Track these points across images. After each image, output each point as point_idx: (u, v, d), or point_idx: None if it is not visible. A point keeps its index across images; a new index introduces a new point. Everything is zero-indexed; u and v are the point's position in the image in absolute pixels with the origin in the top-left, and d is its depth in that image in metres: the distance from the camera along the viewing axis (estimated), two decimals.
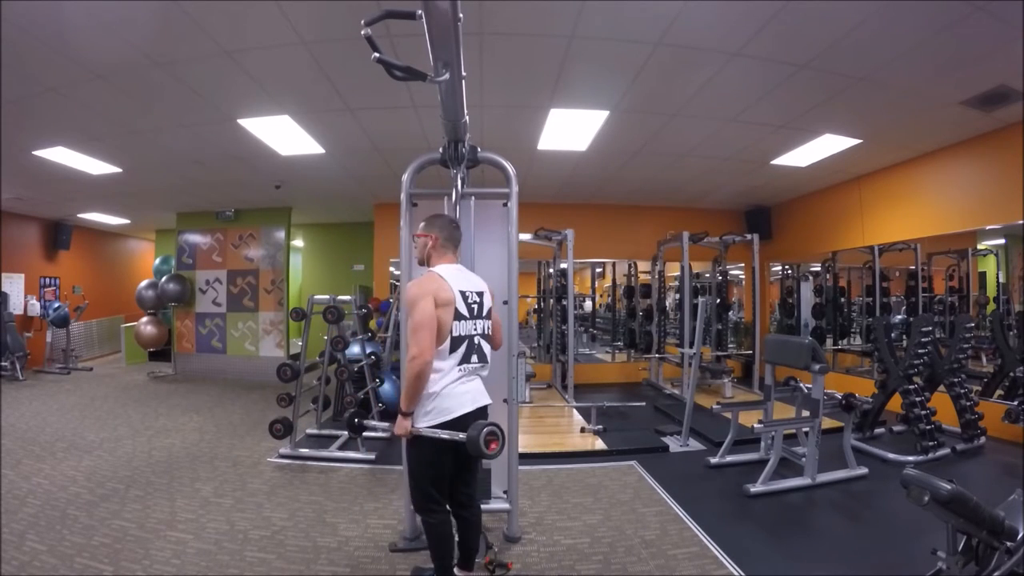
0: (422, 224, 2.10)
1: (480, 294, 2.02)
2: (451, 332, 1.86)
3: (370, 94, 3.63)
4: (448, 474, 1.95)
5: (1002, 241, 4.64)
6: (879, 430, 4.25)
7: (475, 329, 1.96)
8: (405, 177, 2.56)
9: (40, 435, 4.33)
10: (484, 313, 2.02)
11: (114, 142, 4.55)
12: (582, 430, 4.45)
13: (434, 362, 1.83)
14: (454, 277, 1.94)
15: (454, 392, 1.87)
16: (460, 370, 1.90)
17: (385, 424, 1.95)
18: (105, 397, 5.95)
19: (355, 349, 4.47)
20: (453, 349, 1.87)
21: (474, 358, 1.95)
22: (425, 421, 1.85)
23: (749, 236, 6.08)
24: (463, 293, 1.93)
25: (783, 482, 3.26)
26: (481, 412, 1.95)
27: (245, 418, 5.09)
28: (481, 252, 2.66)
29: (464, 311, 1.91)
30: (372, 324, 5.73)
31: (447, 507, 2.00)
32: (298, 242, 9.40)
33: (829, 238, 6.26)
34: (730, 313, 7.13)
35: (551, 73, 3.34)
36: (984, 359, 4.77)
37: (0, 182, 5.57)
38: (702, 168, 5.43)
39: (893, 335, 4.38)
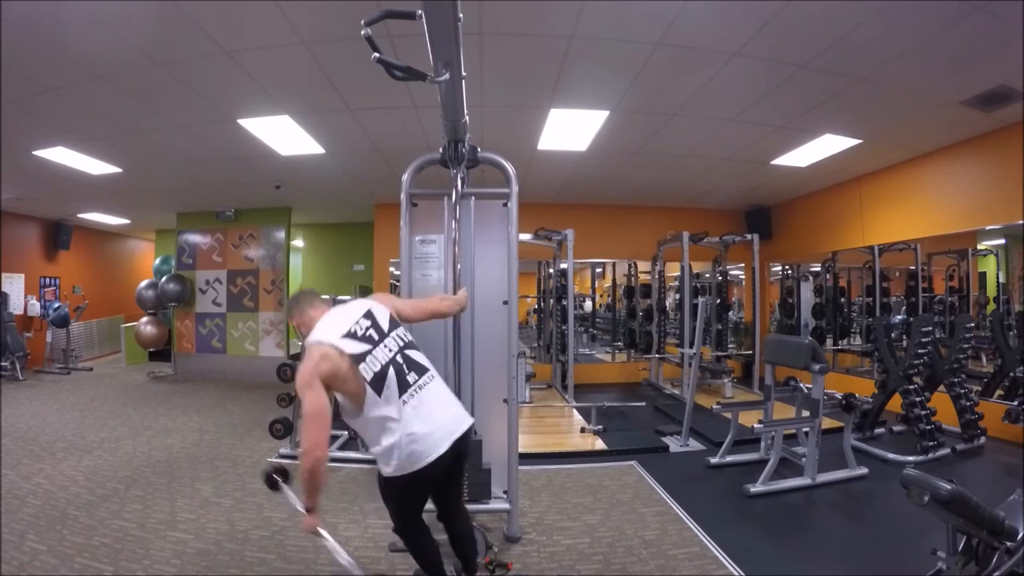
0: (294, 321, 1.85)
1: (368, 314, 1.75)
2: (365, 377, 1.61)
3: (370, 94, 3.63)
4: (423, 502, 1.81)
5: (1002, 241, 4.64)
6: (879, 430, 4.25)
7: (389, 350, 1.70)
8: (405, 177, 2.56)
9: (40, 435, 4.33)
10: (386, 329, 1.75)
11: (114, 142, 4.55)
12: (582, 430, 4.44)
13: (372, 412, 1.61)
14: (328, 329, 1.68)
15: (418, 433, 1.62)
16: (406, 403, 1.65)
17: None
18: (105, 397, 5.95)
19: None
20: (378, 389, 1.62)
21: (411, 376, 1.69)
22: (396, 471, 1.63)
23: (749, 236, 6.08)
24: (349, 332, 1.66)
25: (783, 482, 3.26)
26: (462, 441, 1.71)
27: (245, 418, 5.09)
28: (481, 252, 2.67)
29: (361, 347, 1.65)
30: None
31: (422, 521, 1.88)
32: (298, 242, 9.40)
33: (829, 238, 6.26)
34: (730, 313, 7.13)
35: (551, 73, 3.34)
36: (984, 359, 4.77)
37: (0, 182, 5.57)
38: (702, 168, 5.43)
39: (893, 335, 4.38)
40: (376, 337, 1.70)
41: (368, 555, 2.44)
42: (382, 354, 1.67)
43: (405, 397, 1.65)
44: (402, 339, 1.77)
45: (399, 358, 1.70)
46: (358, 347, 1.64)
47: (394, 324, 1.80)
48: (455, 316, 2.48)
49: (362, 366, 1.61)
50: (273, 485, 1.80)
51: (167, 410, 5.35)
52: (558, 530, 2.72)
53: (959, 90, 3.53)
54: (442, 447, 1.64)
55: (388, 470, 1.65)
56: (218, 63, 3.12)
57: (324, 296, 4.35)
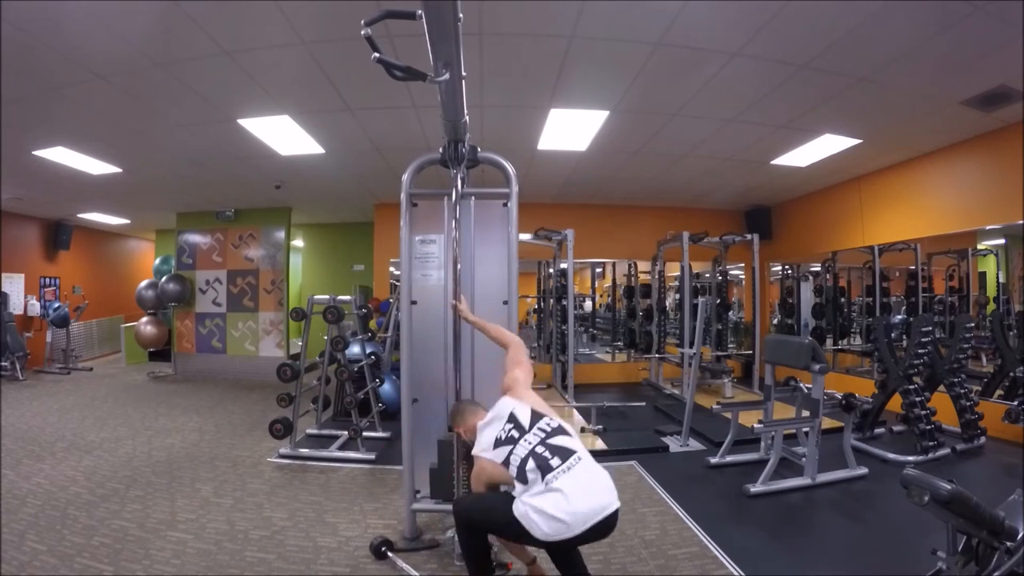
0: (459, 429, 2.20)
1: (511, 417, 1.93)
2: (512, 474, 1.79)
3: (370, 94, 3.62)
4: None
5: (1002, 241, 4.64)
6: (879, 430, 4.24)
7: (529, 443, 1.81)
8: (405, 177, 2.56)
9: (40, 435, 4.33)
10: (528, 425, 1.89)
11: (114, 142, 4.55)
12: (582, 430, 4.44)
13: (522, 498, 1.72)
14: (483, 441, 1.95)
15: (556, 514, 1.62)
16: (548, 484, 1.68)
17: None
18: (105, 397, 5.95)
19: (355, 349, 4.47)
20: (523, 479, 1.74)
21: (555, 461, 1.72)
22: (525, 522, 1.67)
23: (749, 236, 6.08)
24: (497, 440, 1.90)
25: (783, 482, 3.26)
26: (599, 526, 1.65)
27: (245, 418, 5.09)
28: (481, 252, 2.67)
29: (506, 451, 1.84)
30: (372, 324, 5.73)
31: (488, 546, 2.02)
32: (298, 242, 9.40)
33: (829, 238, 6.26)
34: (730, 313, 7.13)
35: (551, 73, 3.33)
36: (984, 359, 4.77)
37: (0, 182, 5.57)
38: (702, 168, 5.43)
39: (893, 335, 4.38)
40: (516, 436, 1.87)
41: (368, 555, 2.44)
42: (522, 450, 1.82)
43: (548, 479, 1.70)
44: (543, 431, 1.87)
45: (540, 447, 1.80)
46: (504, 451, 1.86)
47: (536, 418, 1.93)
48: (455, 317, 2.50)
49: (509, 466, 1.82)
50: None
51: (167, 410, 5.35)
52: None
53: (959, 90, 3.53)
54: (578, 530, 1.63)
55: (522, 518, 1.69)
56: (218, 63, 3.12)
57: (324, 296, 4.35)
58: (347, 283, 8.17)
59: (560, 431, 1.87)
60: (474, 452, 1.99)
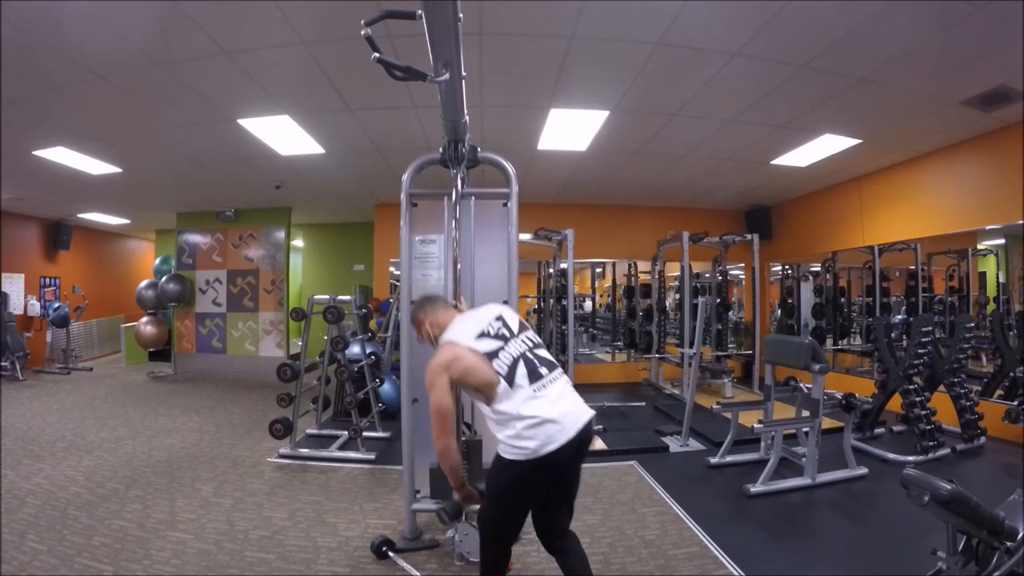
0: (413, 318, 2.04)
1: (499, 317, 1.88)
2: (499, 371, 1.70)
3: (370, 94, 3.62)
4: (536, 500, 1.77)
5: (1002, 241, 4.64)
6: (879, 430, 4.24)
7: (519, 347, 1.79)
8: (405, 177, 2.56)
9: (40, 435, 4.33)
10: (516, 330, 1.85)
11: (114, 142, 4.55)
12: None
13: (504, 400, 1.67)
14: (463, 331, 1.82)
15: (549, 418, 1.64)
16: (536, 391, 1.69)
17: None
18: (105, 397, 5.95)
19: (355, 349, 4.47)
20: (511, 380, 1.69)
21: (543, 370, 1.75)
22: (523, 455, 1.63)
23: (749, 236, 6.08)
24: (483, 332, 1.79)
25: (783, 482, 3.26)
26: (586, 430, 1.72)
27: (245, 418, 5.09)
28: (481, 252, 2.67)
29: (494, 344, 1.76)
30: (372, 324, 5.73)
31: (519, 529, 1.83)
32: (298, 242, 9.40)
33: (829, 238, 6.26)
34: (730, 313, 7.13)
35: (551, 73, 3.33)
36: (984, 359, 4.77)
37: (0, 182, 5.57)
38: (702, 168, 5.43)
39: (893, 335, 4.38)
40: (508, 335, 1.81)
41: (368, 555, 2.44)
42: (515, 349, 1.77)
43: (536, 387, 1.70)
44: (531, 340, 1.86)
45: (529, 354, 1.78)
46: (491, 344, 1.76)
47: (523, 327, 1.90)
48: None
49: (495, 361, 1.72)
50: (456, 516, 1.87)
51: (167, 410, 5.35)
52: None
53: (959, 90, 3.53)
54: (571, 432, 1.66)
55: (514, 453, 1.65)
56: (218, 63, 3.12)
57: (324, 296, 4.37)
58: (347, 283, 8.17)
59: (542, 345, 1.89)
60: (444, 338, 1.83)
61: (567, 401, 1.74)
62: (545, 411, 1.65)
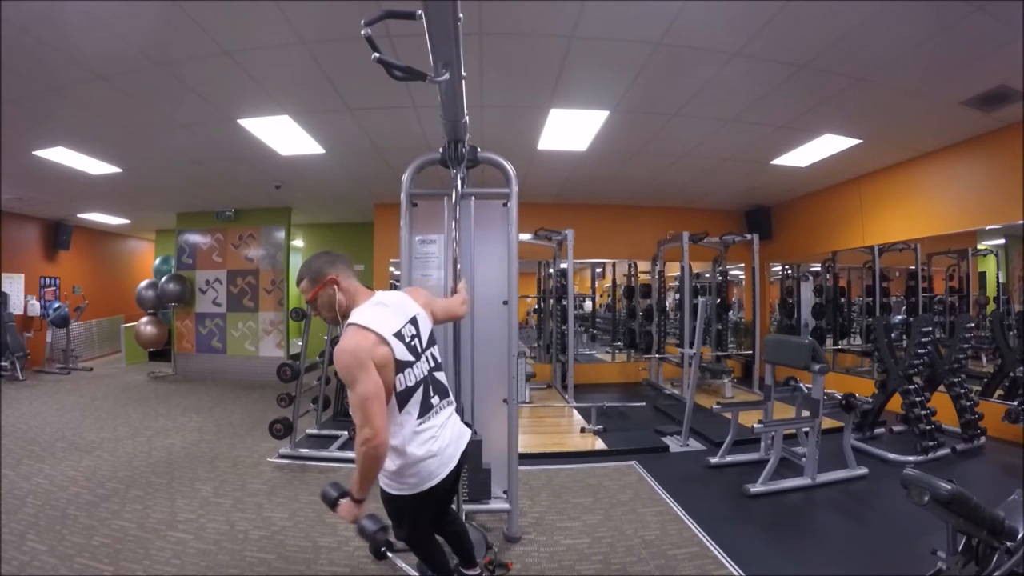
0: (305, 280, 1.62)
1: (413, 321, 1.65)
2: (396, 387, 1.53)
3: (370, 94, 3.62)
4: (432, 512, 1.78)
5: (1002, 241, 4.64)
6: (879, 430, 4.25)
7: (423, 368, 1.63)
8: (405, 177, 2.56)
9: (40, 435, 4.33)
10: (425, 344, 1.67)
11: (114, 142, 4.54)
12: (582, 430, 4.44)
13: (388, 424, 1.52)
14: (380, 320, 1.53)
15: (430, 454, 1.59)
16: (421, 423, 1.59)
17: None
18: (105, 397, 5.95)
19: None
20: (402, 402, 1.55)
21: (435, 399, 1.64)
22: (402, 489, 1.60)
23: (749, 236, 6.08)
24: (398, 334, 1.56)
25: (783, 482, 3.26)
26: (464, 455, 1.74)
27: (245, 418, 5.09)
28: (481, 252, 2.67)
29: (407, 356, 1.57)
30: None
31: (428, 526, 1.88)
32: (298, 242, 9.40)
33: (829, 238, 6.26)
34: (730, 313, 7.13)
35: (551, 73, 3.33)
36: (984, 359, 4.77)
37: (0, 182, 5.57)
38: (702, 168, 5.43)
39: (893, 335, 4.38)
40: (419, 350, 1.64)
41: (368, 555, 2.44)
42: (419, 370, 1.61)
43: (423, 419, 1.60)
44: (434, 359, 1.72)
45: (428, 379, 1.65)
46: (405, 355, 1.56)
47: (431, 342, 1.73)
48: None
49: (399, 376, 1.54)
50: (333, 505, 1.66)
51: (167, 410, 5.36)
52: (558, 530, 2.72)
53: (959, 90, 3.53)
54: (450, 464, 1.65)
55: (395, 488, 1.62)
56: (218, 63, 3.12)
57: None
58: None
59: (440, 367, 1.75)
60: (356, 319, 1.52)
61: (447, 432, 1.67)
62: (426, 448, 1.59)
